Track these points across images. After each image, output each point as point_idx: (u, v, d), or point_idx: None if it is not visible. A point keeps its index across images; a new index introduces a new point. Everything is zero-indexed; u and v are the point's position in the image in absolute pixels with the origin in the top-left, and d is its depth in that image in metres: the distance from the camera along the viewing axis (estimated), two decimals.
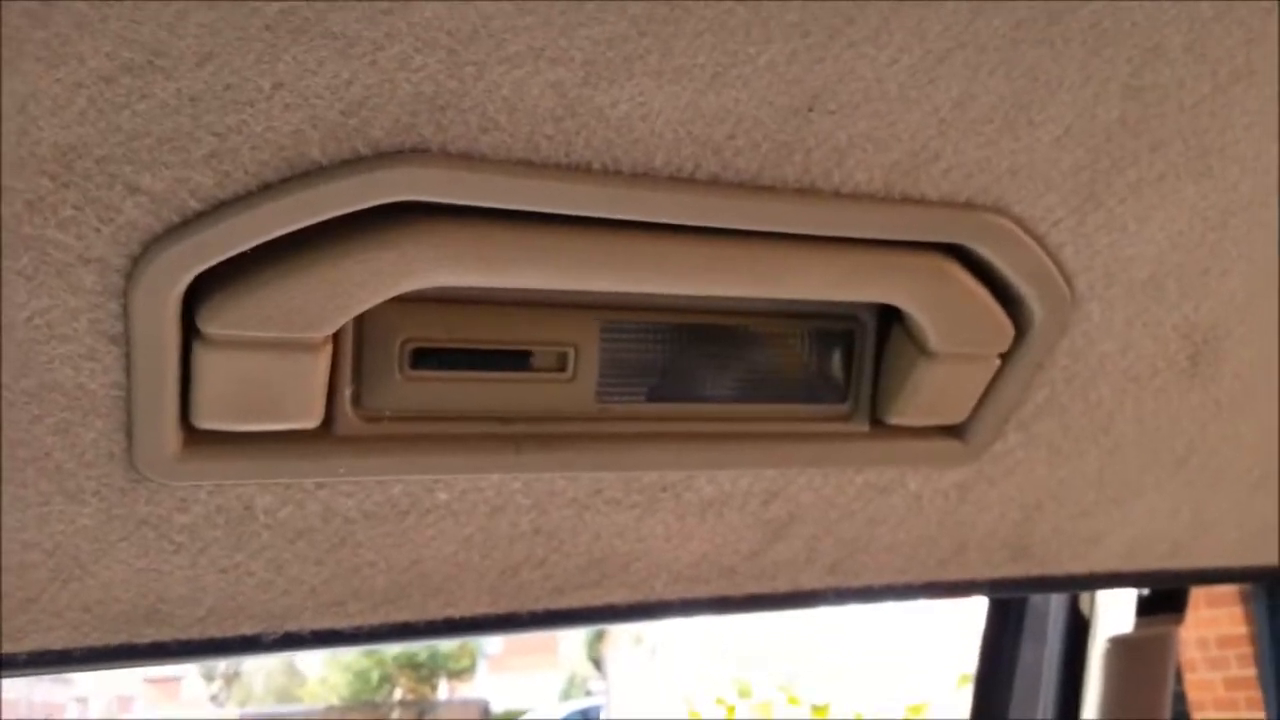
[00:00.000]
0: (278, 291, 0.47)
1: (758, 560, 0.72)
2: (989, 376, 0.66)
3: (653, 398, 0.62)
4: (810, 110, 0.48)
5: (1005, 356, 0.65)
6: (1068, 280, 0.62)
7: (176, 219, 0.44)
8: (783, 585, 0.75)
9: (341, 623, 0.65)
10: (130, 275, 0.45)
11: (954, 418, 0.68)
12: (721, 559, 0.71)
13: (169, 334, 0.47)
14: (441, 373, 0.56)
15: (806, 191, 0.52)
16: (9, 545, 0.54)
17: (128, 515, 0.54)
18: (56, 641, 0.59)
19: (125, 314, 0.46)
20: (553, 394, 0.59)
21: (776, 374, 0.65)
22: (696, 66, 0.45)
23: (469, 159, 0.46)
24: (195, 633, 0.62)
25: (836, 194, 0.53)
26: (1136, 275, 0.64)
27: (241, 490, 0.55)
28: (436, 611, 0.66)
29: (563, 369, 0.59)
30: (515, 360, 0.58)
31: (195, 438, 0.52)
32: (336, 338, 0.54)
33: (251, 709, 19.02)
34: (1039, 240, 0.59)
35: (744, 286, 0.56)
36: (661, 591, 0.71)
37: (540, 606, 0.68)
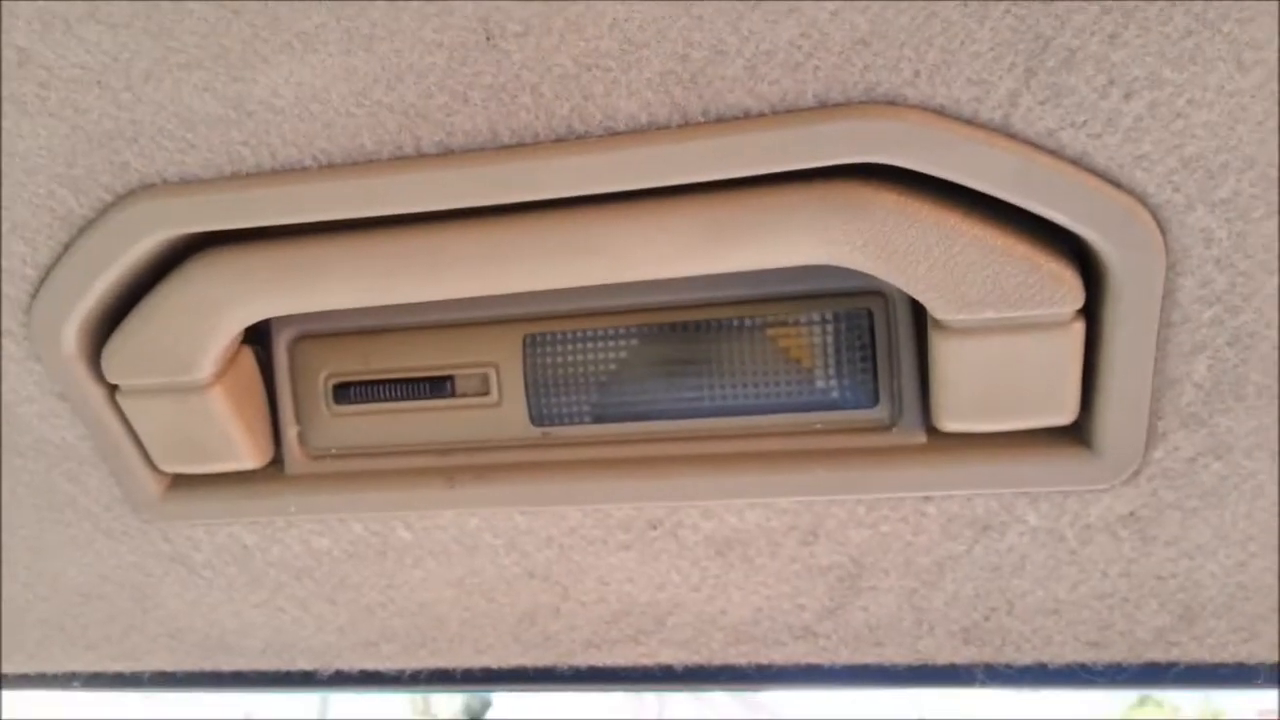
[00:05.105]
0: (133, 341, 0.51)
1: (838, 618, 0.58)
2: (1074, 350, 0.45)
3: (599, 418, 0.54)
4: (489, 40, 0.41)
5: (1091, 318, 0.45)
6: (1134, 191, 0.41)
7: (29, 286, 0.50)
8: (899, 655, 0.61)
9: (382, 664, 0.66)
10: (29, 339, 0.52)
11: (1052, 417, 0.48)
12: (784, 616, 0.59)
13: (87, 386, 0.53)
14: (363, 406, 0.55)
15: (577, 140, 0.43)
16: (90, 578, 0.62)
17: (157, 552, 0.61)
18: (155, 663, 0.67)
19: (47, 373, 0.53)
20: (480, 420, 0.54)
21: (766, 378, 0.52)
22: (322, 37, 0.41)
23: (188, 184, 0.45)
24: (262, 664, 0.67)
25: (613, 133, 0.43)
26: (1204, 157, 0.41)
27: (231, 529, 0.59)
28: (469, 659, 0.64)
29: (486, 392, 0.54)
30: (437, 387, 0.54)
31: (176, 482, 0.57)
32: (268, 378, 0.56)
33: None
34: (982, 127, 0.41)
35: (581, 273, 0.47)
36: (723, 654, 0.62)
37: (579, 662, 0.63)
